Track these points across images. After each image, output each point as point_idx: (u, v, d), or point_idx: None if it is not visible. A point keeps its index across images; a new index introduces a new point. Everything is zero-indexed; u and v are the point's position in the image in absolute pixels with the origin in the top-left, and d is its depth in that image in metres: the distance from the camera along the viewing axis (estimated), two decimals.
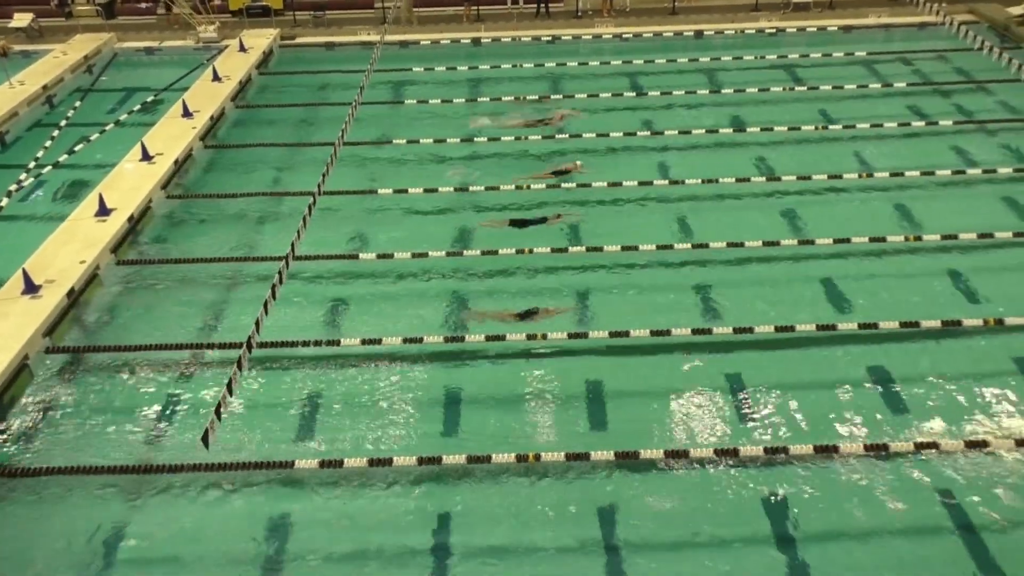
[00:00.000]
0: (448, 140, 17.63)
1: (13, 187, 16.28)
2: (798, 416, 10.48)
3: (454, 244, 14.20)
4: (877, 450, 9.76)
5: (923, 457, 9.70)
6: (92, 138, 18.47)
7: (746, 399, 10.77)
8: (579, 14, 24.81)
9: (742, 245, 13.55)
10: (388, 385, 11.25)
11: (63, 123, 19.34)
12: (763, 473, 9.65)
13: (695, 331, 11.72)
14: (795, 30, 23.34)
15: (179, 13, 23.88)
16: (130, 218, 14.49)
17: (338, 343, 11.81)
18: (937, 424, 10.25)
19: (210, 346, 11.91)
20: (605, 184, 15.57)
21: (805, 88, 19.62)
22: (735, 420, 10.45)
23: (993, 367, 11.13)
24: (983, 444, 9.77)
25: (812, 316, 12.00)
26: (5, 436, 10.53)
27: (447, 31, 24.03)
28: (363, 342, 11.76)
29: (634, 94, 19.74)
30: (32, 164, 17.35)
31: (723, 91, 19.61)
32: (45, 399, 11.14)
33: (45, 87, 20.44)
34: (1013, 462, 9.63)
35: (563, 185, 15.72)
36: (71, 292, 12.48)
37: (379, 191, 15.86)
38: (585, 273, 13.36)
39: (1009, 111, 18.16)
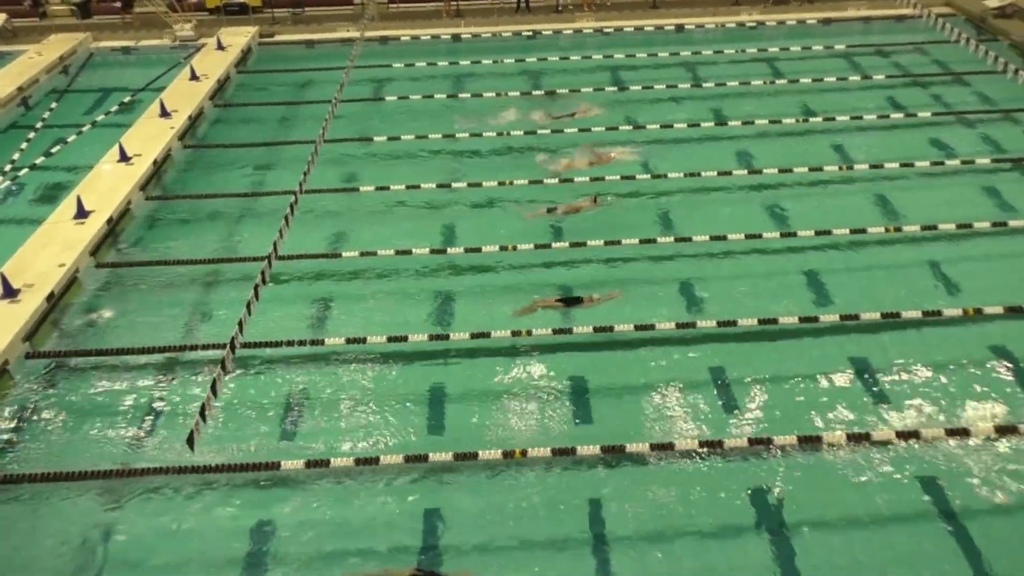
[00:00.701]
0: (430, 136, 17.57)
1: None
2: (782, 407, 10.55)
3: (438, 241, 14.17)
4: (859, 439, 9.85)
5: (905, 445, 9.79)
6: (69, 140, 18.27)
7: (730, 391, 10.83)
8: (559, 8, 24.80)
9: (724, 238, 13.62)
10: (373, 384, 11.22)
11: (39, 125, 19.11)
12: (748, 464, 9.71)
13: (679, 325, 11.77)
14: (775, 23, 23.42)
15: (151, 11, 23.64)
16: (109, 220, 14.35)
17: (322, 342, 11.76)
18: (918, 413, 10.36)
19: (193, 347, 11.82)
20: (587, 179, 15.58)
21: (786, 81, 19.72)
22: (719, 412, 10.51)
23: (972, 355, 11.25)
24: (964, 432, 9.88)
25: (795, 308, 12.08)
26: None
27: (427, 27, 23.94)
28: (348, 341, 11.71)
29: (615, 88, 19.76)
30: (8, 167, 17.14)
31: (704, 85, 19.67)
32: (26, 404, 11.02)
33: (20, 88, 20.17)
34: (993, 449, 9.75)
35: (546, 181, 15.72)
36: (51, 296, 12.35)
37: (361, 189, 15.80)
38: (569, 268, 13.37)
39: (986, 102, 18.34)
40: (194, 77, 19.90)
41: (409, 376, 11.36)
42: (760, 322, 11.74)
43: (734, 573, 8.55)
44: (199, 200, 15.67)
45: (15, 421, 10.75)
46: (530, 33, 23.35)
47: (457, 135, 17.68)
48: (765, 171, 15.69)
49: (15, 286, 12.25)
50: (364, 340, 11.71)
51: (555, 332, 11.77)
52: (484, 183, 15.64)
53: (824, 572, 8.49)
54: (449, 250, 13.79)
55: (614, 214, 14.73)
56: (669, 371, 11.20)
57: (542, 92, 19.64)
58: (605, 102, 18.99)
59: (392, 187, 15.66)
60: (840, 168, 15.78)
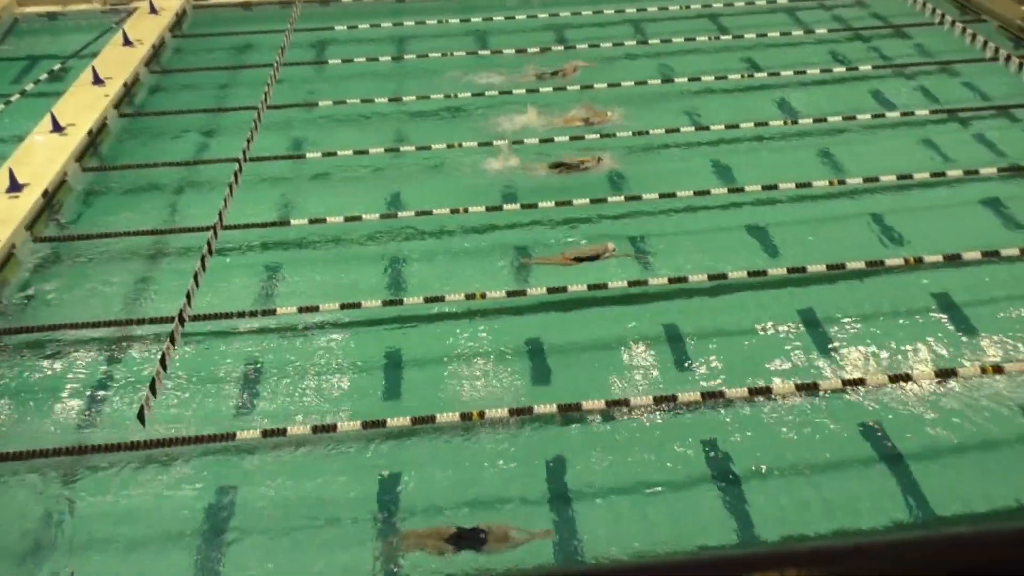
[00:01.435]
0: (376, 100, 17.27)
1: None
2: (733, 360, 10.79)
3: (388, 206, 14.02)
4: (808, 389, 10.14)
5: (851, 392, 10.12)
6: None
7: (683, 347, 11.02)
8: None
9: (673, 195, 13.74)
10: (328, 352, 11.15)
11: None
12: (702, 417, 9.94)
13: (631, 283, 11.89)
14: None
15: None
16: (44, 193, 13.85)
17: (274, 312, 11.61)
18: (864, 360, 10.69)
19: (140, 322, 11.56)
20: (536, 141, 15.51)
21: (730, 37, 19.79)
22: (673, 368, 10.70)
23: (914, 303, 11.63)
24: (907, 377, 10.24)
25: (743, 263, 12.29)
26: None
27: None
28: (300, 310, 11.58)
29: (561, 47, 19.61)
30: None
31: (650, 42, 19.63)
32: None
33: None
34: (934, 392, 10.13)
35: (495, 142, 15.61)
36: None
37: (307, 155, 15.50)
38: (522, 229, 13.37)
39: (925, 55, 18.67)
40: (127, 43, 19.16)
41: (364, 343, 11.31)
42: (710, 278, 11.92)
43: (694, 522, 8.79)
44: (139, 170, 15.21)
45: None
46: None
47: (404, 97, 17.41)
48: (712, 127, 15.81)
49: None
50: (317, 308, 11.59)
51: (509, 294, 11.80)
52: (433, 146, 15.47)
53: (776, 517, 8.78)
54: (400, 214, 13.66)
55: (563, 175, 14.71)
56: (622, 329, 11.34)
57: (487, 51, 19.41)
58: (549, 62, 18.85)
59: (339, 152, 15.38)
60: (784, 123, 15.98)
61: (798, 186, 13.94)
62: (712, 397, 10.05)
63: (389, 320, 11.66)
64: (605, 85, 17.49)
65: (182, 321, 10.97)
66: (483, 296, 11.73)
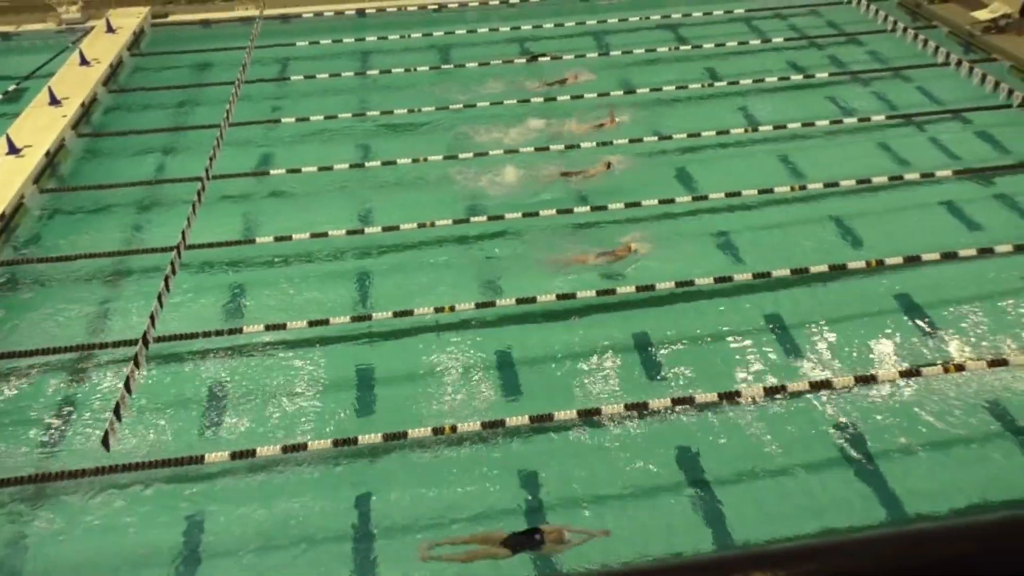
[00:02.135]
0: (340, 116, 17.21)
1: None
2: (702, 366, 10.88)
3: (354, 222, 13.95)
4: (776, 392, 10.25)
5: (819, 395, 10.25)
6: None
7: (652, 355, 11.08)
8: None
9: (638, 204, 13.85)
10: (296, 370, 11.03)
11: None
12: (673, 423, 9.99)
13: (599, 292, 11.94)
14: None
15: None
16: (1, 216, 13.58)
17: (240, 331, 11.46)
18: (829, 362, 10.84)
19: (103, 345, 11.36)
20: (502, 152, 15.55)
21: (690, 47, 20.06)
22: (644, 376, 10.75)
23: (877, 305, 11.82)
24: (872, 379, 10.40)
25: (709, 269, 12.40)
26: None
27: (330, 2, 23.33)
28: (267, 328, 11.46)
29: (524, 60, 19.72)
30: None
31: (612, 53, 19.82)
32: None
33: None
34: (899, 393, 10.29)
35: (461, 155, 15.62)
36: None
37: (271, 172, 15.38)
38: (489, 241, 13.38)
39: (879, 61, 19.08)
40: (84, 62, 18.91)
41: (333, 360, 11.21)
42: (677, 284, 12.01)
43: (667, 529, 8.81)
44: (99, 191, 14.97)
45: None
46: (436, 6, 23.04)
47: (368, 112, 17.37)
48: (674, 136, 15.98)
49: None
50: (284, 326, 11.47)
51: (478, 306, 11.78)
52: (398, 161, 15.44)
53: (750, 521, 8.84)
54: (366, 230, 13.60)
55: (535, 182, 14.76)
56: (592, 339, 11.37)
57: (450, 64, 19.46)
58: (516, 75, 18.96)
59: (304, 169, 15.29)
60: (745, 130, 16.21)
61: (760, 192, 14.14)
62: (682, 403, 10.11)
63: (358, 336, 11.57)
64: (568, 97, 17.63)
65: (146, 343, 10.79)
66: (452, 309, 11.70)
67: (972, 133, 16.06)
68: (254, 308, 12.19)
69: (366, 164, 15.56)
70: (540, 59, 19.44)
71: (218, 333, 11.44)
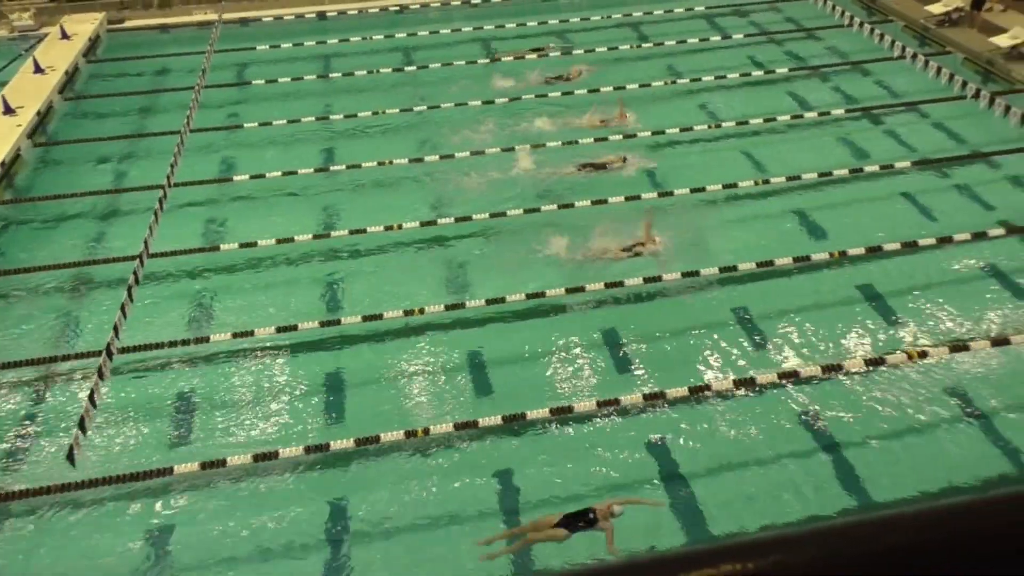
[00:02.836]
0: (303, 119, 17.06)
1: None
2: (671, 360, 10.95)
3: (320, 226, 13.83)
4: (745, 384, 10.35)
5: (787, 385, 10.37)
6: None
7: (622, 351, 11.14)
8: None
9: (605, 202, 13.91)
10: (265, 377, 10.91)
11: None
12: (644, 418, 10.04)
13: (568, 290, 11.96)
14: None
15: None
16: None
17: (207, 340, 11.30)
18: (796, 353, 10.98)
19: (66, 358, 11.13)
20: (468, 153, 15.53)
21: (651, 45, 20.19)
22: (614, 371, 10.80)
23: (840, 295, 12.01)
24: (837, 368, 10.55)
25: (676, 265, 12.48)
26: None
27: (289, 5, 23.11)
28: (234, 335, 11.31)
29: (487, 60, 19.72)
30: None
31: (574, 52, 19.88)
32: None
33: None
34: (864, 380, 10.46)
35: (427, 158, 15.56)
36: None
37: (235, 178, 15.20)
38: (453, 244, 13.35)
39: (837, 55, 19.37)
40: (39, 70, 18.51)
41: (302, 366, 11.10)
42: (645, 280, 12.08)
43: (643, 523, 8.85)
44: (57, 201, 14.65)
45: None
46: (397, 8, 22.94)
47: (331, 116, 17.24)
48: (639, 134, 16.07)
49: None
50: (252, 333, 11.34)
51: (448, 308, 11.75)
52: (363, 164, 15.35)
53: (725, 511, 8.92)
54: (333, 234, 13.49)
55: (497, 187, 14.75)
56: (563, 337, 11.40)
57: (414, 66, 19.38)
58: (477, 75, 18.95)
59: (268, 174, 15.13)
60: (709, 127, 16.36)
61: (725, 187, 14.28)
62: (653, 398, 10.18)
63: (328, 341, 11.48)
64: (533, 96, 17.65)
65: (110, 355, 10.60)
66: (422, 312, 11.65)
67: (929, 125, 16.38)
68: (221, 316, 12.04)
69: (331, 168, 15.45)
70: (503, 59, 19.46)
71: (184, 342, 11.27)
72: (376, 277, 12.76)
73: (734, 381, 10.38)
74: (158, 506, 9.17)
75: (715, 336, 11.34)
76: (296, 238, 13.29)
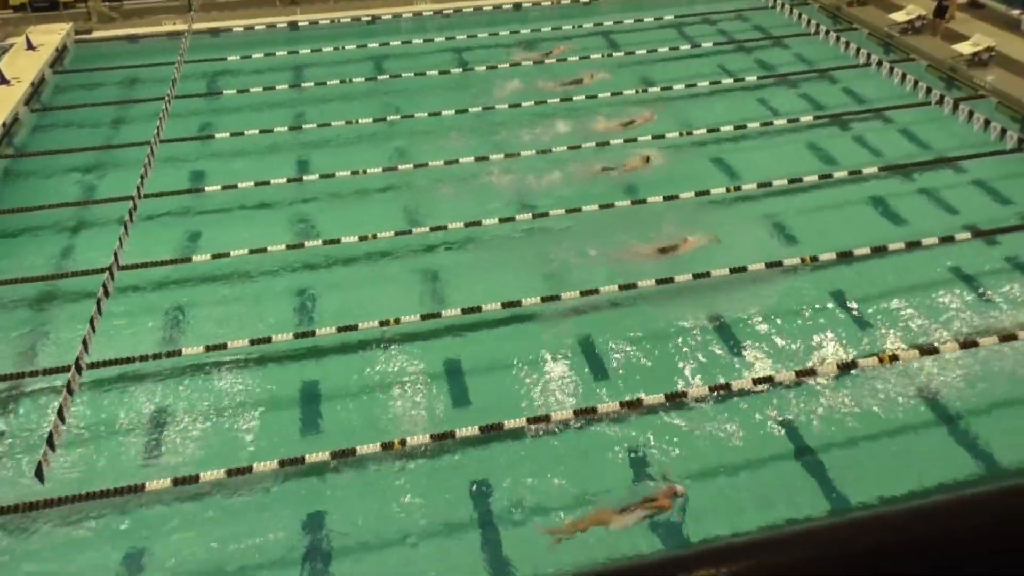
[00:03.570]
0: (276, 129, 16.96)
1: None
2: (648, 368, 11.00)
3: (294, 236, 13.74)
4: (721, 390, 10.42)
5: (761, 390, 10.45)
6: None
7: (599, 359, 11.17)
8: None
9: (579, 210, 13.96)
10: (239, 391, 10.79)
11: None
12: (621, 425, 10.07)
13: (544, 299, 11.98)
14: None
15: None
16: None
17: (179, 353, 11.16)
18: (770, 358, 11.07)
19: (33, 374, 10.93)
20: (442, 163, 15.53)
21: (622, 54, 20.34)
22: (590, 380, 10.82)
23: (812, 300, 12.14)
24: (812, 372, 10.66)
25: (649, 271, 12.55)
26: None
27: (260, 15, 23.01)
28: (207, 348, 11.19)
29: (460, 70, 19.75)
30: None
31: (546, 61, 19.98)
32: None
33: None
34: (838, 384, 10.58)
35: (400, 167, 15.52)
36: None
37: (206, 188, 15.06)
38: (431, 252, 13.33)
39: (804, 63, 19.65)
40: (4, 81, 18.24)
41: (276, 378, 11.00)
42: (620, 288, 12.13)
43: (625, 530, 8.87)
44: (24, 214, 14.40)
45: None
46: (369, 18, 22.92)
47: (304, 126, 17.16)
48: (611, 142, 16.17)
49: None
50: (225, 346, 11.22)
51: (423, 318, 11.71)
52: (337, 174, 15.29)
53: (704, 514, 8.95)
54: (307, 244, 13.41)
55: (475, 196, 14.76)
56: (539, 345, 11.40)
57: (386, 76, 19.36)
58: (449, 85, 18.98)
59: (240, 184, 15.01)
60: (680, 134, 16.49)
61: (697, 194, 14.39)
62: (631, 406, 10.21)
63: (302, 353, 11.38)
64: (507, 106, 17.70)
65: (79, 369, 10.43)
66: (397, 321, 11.61)
67: (895, 130, 16.66)
68: (193, 328, 11.90)
69: (304, 178, 15.36)
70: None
71: (155, 356, 11.12)
72: (351, 287, 12.69)
73: (710, 387, 10.45)
74: (129, 523, 9.02)
75: (690, 342, 11.41)
76: (269, 249, 13.19)
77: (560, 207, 14.03)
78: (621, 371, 10.96)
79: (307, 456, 9.51)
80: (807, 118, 17.05)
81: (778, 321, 11.74)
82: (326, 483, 9.45)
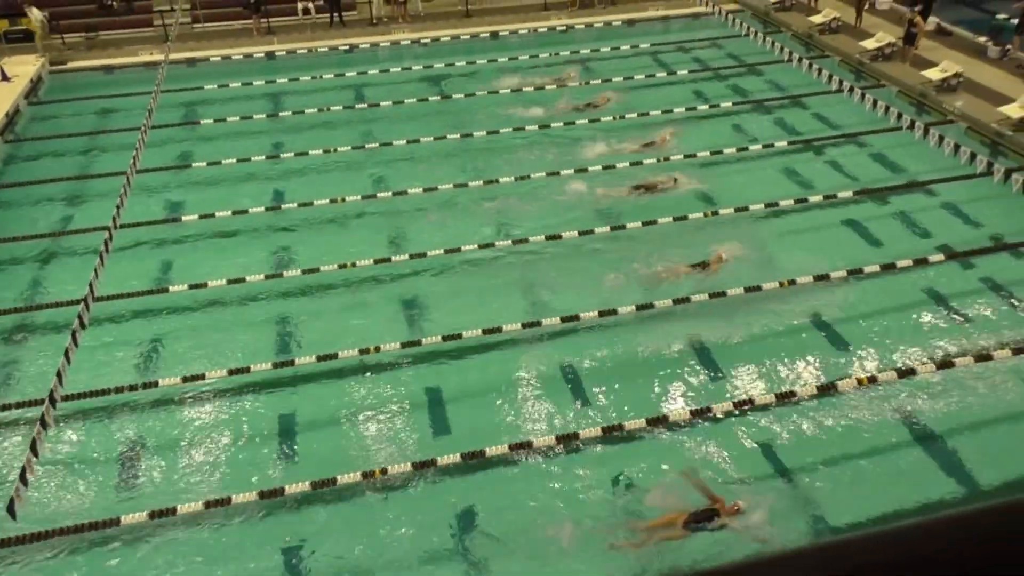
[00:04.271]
0: (253, 158, 16.92)
1: None
2: (630, 393, 10.99)
3: (272, 266, 13.66)
4: (702, 413, 10.43)
5: (742, 413, 10.47)
6: None
7: (579, 384, 11.15)
8: (374, 22, 24.60)
9: (559, 237, 14.01)
10: (217, 421, 10.65)
11: None
12: (604, 451, 10.03)
13: (525, 325, 11.97)
14: (584, 26, 24.44)
15: None
16: None
17: (156, 384, 11.01)
18: (751, 381, 11.11)
19: (5, 407, 10.73)
20: (421, 190, 15.56)
21: (599, 81, 20.56)
22: (572, 406, 10.79)
23: (790, 323, 12.22)
24: (791, 395, 10.70)
25: (631, 298, 12.59)
26: None
27: (237, 46, 23.06)
28: (184, 380, 11.04)
29: (439, 98, 19.87)
30: None
31: (524, 89, 20.14)
32: None
33: None
34: (817, 407, 10.61)
35: (379, 195, 15.52)
36: None
37: (183, 217, 14.96)
38: (409, 279, 13.30)
39: (777, 89, 19.97)
40: None
41: (255, 408, 10.87)
42: (600, 314, 12.14)
43: (601, 555, 8.80)
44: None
45: None
46: (347, 47, 23.05)
47: (282, 155, 17.14)
48: (590, 168, 16.28)
49: None
50: (202, 376, 11.09)
51: (404, 346, 11.65)
52: (315, 202, 15.26)
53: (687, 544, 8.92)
54: (285, 273, 13.33)
55: (456, 221, 14.77)
56: (520, 371, 11.37)
57: (364, 104, 19.42)
58: (429, 111, 19.08)
59: (217, 213, 14.93)
60: (657, 160, 16.64)
61: (676, 219, 14.49)
62: (611, 431, 10.18)
63: (281, 382, 11.27)
64: (484, 132, 17.80)
65: (53, 403, 10.24)
66: (377, 349, 11.53)
67: (868, 155, 16.93)
68: (170, 359, 11.75)
69: (282, 206, 15.31)
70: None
71: (132, 388, 10.96)
72: (330, 316, 12.61)
73: (691, 411, 10.45)
74: (105, 559, 8.82)
75: (670, 367, 11.42)
76: (248, 278, 13.10)
77: (540, 233, 14.07)
78: (599, 395, 10.92)
79: (287, 487, 9.38)
80: (781, 143, 17.28)
81: (756, 344, 11.79)
82: (305, 513, 9.30)
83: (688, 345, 11.83)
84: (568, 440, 10.07)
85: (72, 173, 16.74)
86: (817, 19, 22.78)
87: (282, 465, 10.01)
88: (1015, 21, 20.23)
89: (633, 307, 12.27)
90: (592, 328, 12.09)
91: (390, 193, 15.57)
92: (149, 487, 9.71)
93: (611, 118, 18.41)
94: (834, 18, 22.45)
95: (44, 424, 9.89)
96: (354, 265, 13.35)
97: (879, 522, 8.99)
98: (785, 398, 10.65)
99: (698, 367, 11.42)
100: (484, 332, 11.80)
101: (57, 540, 8.86)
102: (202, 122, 18.81)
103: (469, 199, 15.49)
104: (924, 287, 12.87)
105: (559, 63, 21.83)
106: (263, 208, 15.18)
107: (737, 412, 10.49)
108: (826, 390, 10.76)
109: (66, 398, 10.55)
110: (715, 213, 14.78)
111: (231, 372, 11.15)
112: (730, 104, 19.09)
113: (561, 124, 18.18)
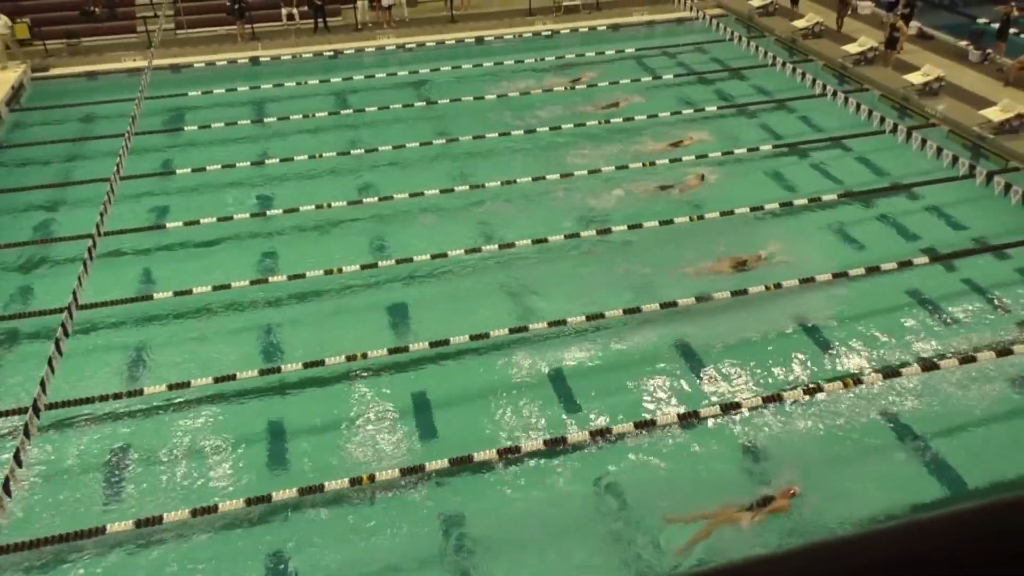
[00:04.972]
0: (238, 164, 16.85)
1: None
2: (616, 397, 11.00)
3: (257, 272, 13.60)
4: (689, 417, 10.46)
5: (728, 415, 10.50)
6: None
7: (568, 389, 11.15)
8: (359, 27, 24.57)
9: (545, 240, 14.02)
10: (204, 428, 10.58)
11: None
12: (592, 454, 10.03)
13: (512, 330, 11.96)
14: (568, 31, 24.52)
15: None
16: None
17: (141, 392, 10.93)
18: (738, 383, 11.15)
19: None
20: (407, 195, 15.54)
21: (585, 86, 20.63)
22: (560, 410, 10.79)
23: (777, 326, 12.27)
24: (778, 398, 10.74)
25: (618, 301, 12.61)
26: None
27: (221, 52, 22.98)
28: (170, 387, 10.97)
29: (424, 103, 19.87)
30: None
31: (509, 94, 20.18)
32: None
33: None
34: (803, 411, 10.66)
35: (365, 201, 15.49)
36: None
37: (168, 224, 14.87)
38: (401, 285, 13.27)
39: (762, 94, 20.09)
40: None
41: (242, 415, 10.80)
42: (588, 318, 12.16)
43: (590, 559, 8.80)
44: None
45: None
46: (331, 53, 23.01)
47: (267, 160, 17.08)
48: (576, 173, 16.32)
49: None
50: (188, 384, 11.01)
51: (391, 352, 11.62)
52: (301, 208, 15.21)
53: (665, 547, 8.93)
54: (271, 279, 13.27)
55: (440, 227, 14.77)
56: (507, 377, 11.36)
57: (350, 110, 19.39)
58: (415, 117, 19.07)
59: (202, 220, 14.85)
60: (643, 165, 16.69)
61: (661, 224, 14.53)
62: (600, 434, 10.19)
63: (268, 389, 11.21)
64: (470, 137, 17.79)
65: (37, 411, 10.14)
66: (364, 356, 11.49)
67: (851, 159, 17.05)
68: (155, 367, 11.67)
69: (268, 212, 15.25)
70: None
71: (116, 396, 10.87)
72: (317, 322, 12.56)
73: (679, 415, 10.47)
74: (89, 569, 8.74)
75: (658, 370, 11.45)
76: (233, 285, 13.03)
77: (526, 238, 14.08)
78: (589, 400, 10.93)
79: (274, 493, 9.32)
80: (766, 147, 17.38)
81: (743, 348, 11.83)
82: (293, 520, 9.25)
83: (675, 348, 11.86)
84: (555, 444, 10.06)
85: (55, 180, 16.62)
86: (800, 24, 22.95)
87: (269, 472, 9.95)
88: (996, 25, 20.46)
89: (620, 311, 12.29)
90: (579, 331, 12.09)
91: (376, 199, 15.54)
92: (135, 495, 9.63)
93: (596, 122, 18.46)
94: (817, 23, 22.62)
95: (27, 434, 9.79)
96: (340, 271, 13.30)
97: (870, 522, 9.04)
98: (770, 401, 10.68)
99: (684, 370, 11.45)
100: (471, 338, 11.78)
101: (42, 550, 8.76)
102: (186, 128, 18.72)
103: (455, 204, 15.48)
104: (908, 289, 12.97)
105: (544, 68, 21.87)
106: (248, 214, 15.11)
107: (724, 415, 10.52)
108: (811, 392, 10.80)
109: (49, 407, 10.44)
110: (700, 217, 14.83)
111: (217, 379, 11.08)
112: (715, 108, 19.18)
113: (547, 129, 18.20)
